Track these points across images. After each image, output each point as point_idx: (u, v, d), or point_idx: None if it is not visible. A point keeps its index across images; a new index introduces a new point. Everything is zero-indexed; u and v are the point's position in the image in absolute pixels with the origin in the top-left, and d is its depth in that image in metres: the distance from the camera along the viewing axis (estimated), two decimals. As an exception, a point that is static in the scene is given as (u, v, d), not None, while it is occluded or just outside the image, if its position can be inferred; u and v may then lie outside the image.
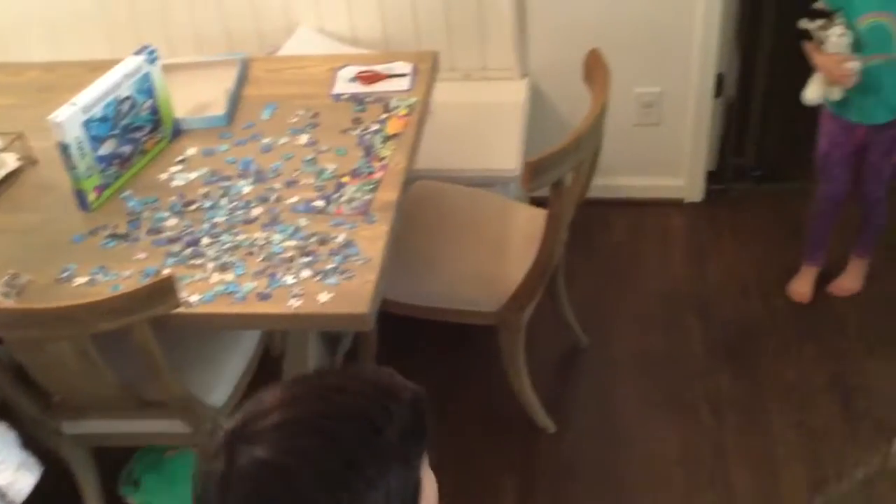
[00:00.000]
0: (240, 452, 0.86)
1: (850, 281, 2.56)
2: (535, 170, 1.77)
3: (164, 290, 1.57)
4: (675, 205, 2.97)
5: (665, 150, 2.90)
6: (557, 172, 1.84)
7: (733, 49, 2.82)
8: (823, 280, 2.57)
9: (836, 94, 2.21)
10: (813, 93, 2.24)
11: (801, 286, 2.57)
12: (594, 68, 2.03)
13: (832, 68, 2.15)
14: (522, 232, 2.21)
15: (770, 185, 2.95)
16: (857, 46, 2.13)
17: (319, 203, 1.87)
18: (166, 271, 1.72)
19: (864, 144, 2.29)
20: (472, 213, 2.30)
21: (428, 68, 2.24)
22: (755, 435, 2.25)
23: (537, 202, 2.30)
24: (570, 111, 2.77)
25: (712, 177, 2.97)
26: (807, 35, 2.17)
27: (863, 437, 2.20)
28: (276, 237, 1.80)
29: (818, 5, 2.17)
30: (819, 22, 2.14)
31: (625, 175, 2.94)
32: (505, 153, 2.51)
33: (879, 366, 2.36)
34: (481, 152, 2.54)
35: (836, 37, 2.11)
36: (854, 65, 2.12)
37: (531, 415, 2.28)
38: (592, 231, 2.88)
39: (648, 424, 2.30)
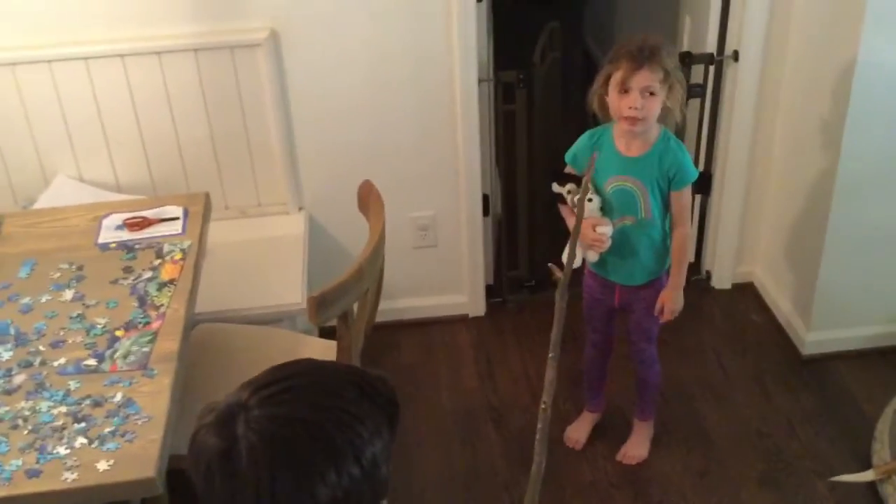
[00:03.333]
0: (235, 426, 0.94)
1: (635, 447, 2.48)
2: (319, 304, 1.76)
3: None
4: (460, 321, 3.05)
5: (445, 270, 2.99)
6: (343, 304, 1.84)
7: (495, 171, 3.00)
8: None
9: (593, 256, 2.21)
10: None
11: (575, 432, 2.55)
12: (368, 198, 2.08)
13: (585, 233, 2.14)
14: (313, 366, 2.17)
15: (544, 293, 3.11)
16: (607, 210, 2.15)
17: (91, 362, 1.74)
18: (-88, 460, 1.51)
19: (624, 303, 2.29)
20: (259, 352, 2.23)
21: (200, 210, 2.20)
22: (563, 539, 2.29)
23: (326, 333, 2.27)
24: (349, 239, 2.81)
25: (491, 290, 3.09)
26: (561, 198, 2.19)
27: (660, 526, 2.30)
28: (44, 405, 1.64)
29: (569, 170, 2.21)
30: (570, 186, 2.15)
31: (409, 297, 3.00)
32: (288, 287, 2.48)
33: (664, 455, 2.50)
34: (264, 289, 2.50)
35: (585, 201, 2.11)
36: (605, 229, 2.13)
37: (341, 556, 2.18)
38: (382, 354, 2.89)
39: (460, 546, 2.28)
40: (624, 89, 2.00)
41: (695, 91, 2.84)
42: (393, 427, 1.04)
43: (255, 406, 0.96)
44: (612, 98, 2.04)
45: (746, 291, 3.10)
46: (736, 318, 3.00)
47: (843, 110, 2.42)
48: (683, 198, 2.13)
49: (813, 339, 2.77)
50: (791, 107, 2.75)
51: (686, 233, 2.18)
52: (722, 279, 3.12)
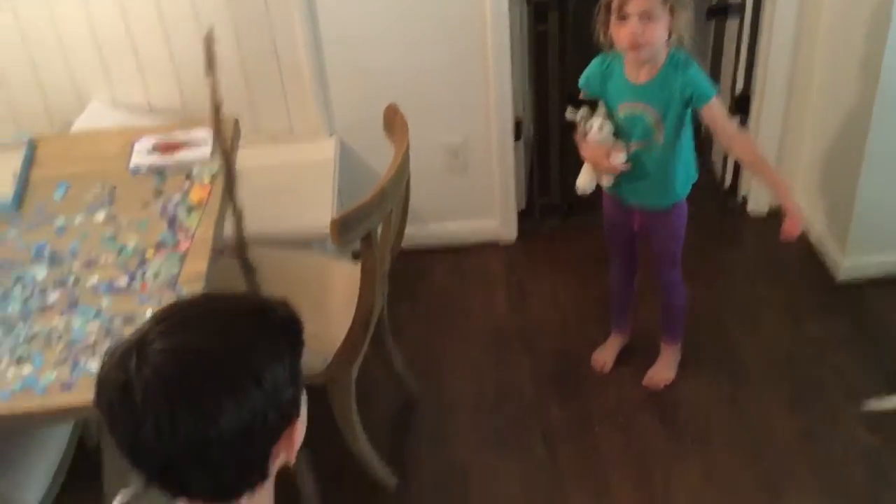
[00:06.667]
0: (133, 360, 0.94)
1: (662, 371, 2.49)
2: (341, 226, 1.78)
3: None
4: (491, 246, 3.06)
5: (476, 195, 2.99)
6: (366, 226, 1.85)
7: (528, 94, 2.95)
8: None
9: (607, 181, 2.19)
10: (584, 182, 2.21)
11: (603, 355, 2.56)
12: (392, 121, 2.08)
13: (598, 160, 2.13)
14: (341, 289, 2.20)
15: (576, 218, 3.10)
16: (621, 135, 2.11)
17: (122, 281, 1.79)
18: (-46, 372, 1.58)
19: (644, 227, 2.27)
20: (288, 275, 2.26)
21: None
22: (587, 460, 2.31)
23: (357, 256, 2.30)
24: (381, 164, 2.78)
25: (523, 216, 3.08)
26: (574, 125, 2.15)
27: (685, 450, 2.31)
28: (77, 322, 1.70)
29: (583, 95, 2.16)
30: (582, 111, 2.11)
31: (440, 221, 3.01)
32: (319, 211, 2.51)
33: (692, 379, 2.50)
34: (295, 212, 2.53)
35: (596, 128, 2.09)
36: (619, 157, 2.11)
37: (370, 472, 2.25)
38: (414, 279, 2.92)
39: (488, 465, 2.33)
40: (622, 16, 1.95)
41: (733, 11, 2.76)
42: (296, 349, 1.02)
43: (153, 340, 0.95)
44: (613, 27, 1.98)
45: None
46: (770, 244, 2.95)
47: (883, 30, 2.33)
48: (714, 112, 2.04)
49: (848, 263, 2.73)
50: (832, 26, 2.65)
51: (745, 141, 2.16)
52: (758, 204, 3.07)
